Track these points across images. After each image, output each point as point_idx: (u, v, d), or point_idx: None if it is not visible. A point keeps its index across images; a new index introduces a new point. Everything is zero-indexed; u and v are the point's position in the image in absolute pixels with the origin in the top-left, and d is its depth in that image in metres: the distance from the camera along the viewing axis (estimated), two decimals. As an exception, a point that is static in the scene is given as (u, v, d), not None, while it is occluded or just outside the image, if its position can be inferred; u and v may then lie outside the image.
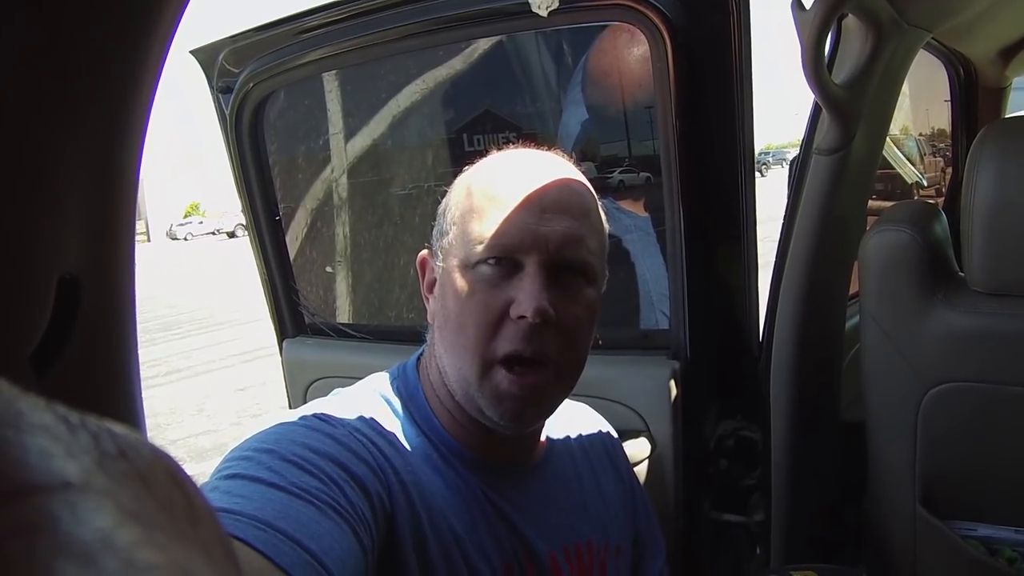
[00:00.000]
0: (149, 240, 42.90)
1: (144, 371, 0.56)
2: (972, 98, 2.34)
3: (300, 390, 1.84)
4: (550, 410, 0.91)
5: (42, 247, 0.44)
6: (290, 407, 1.78)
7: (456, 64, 1.74)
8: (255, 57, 1.68)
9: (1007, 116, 2.42)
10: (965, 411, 1.31)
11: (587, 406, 1.14)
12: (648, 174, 1.63)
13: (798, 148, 1.54)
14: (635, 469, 1.24)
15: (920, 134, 2.67)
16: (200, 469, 4.70)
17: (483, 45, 1.70)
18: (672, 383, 1.42)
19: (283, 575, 0.59)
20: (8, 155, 0.40)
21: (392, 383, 0.93)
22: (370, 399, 0.90)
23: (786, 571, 1.25)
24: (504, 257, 0.84)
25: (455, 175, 0.95)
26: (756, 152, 1.51)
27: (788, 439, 1.48)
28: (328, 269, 1.97)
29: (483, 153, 0.95)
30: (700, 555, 1.53)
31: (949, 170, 2.57)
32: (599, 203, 0.92)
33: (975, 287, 1.30)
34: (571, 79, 1.70)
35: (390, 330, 1.90)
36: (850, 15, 1.28)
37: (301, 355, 1.89)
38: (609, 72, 1.63)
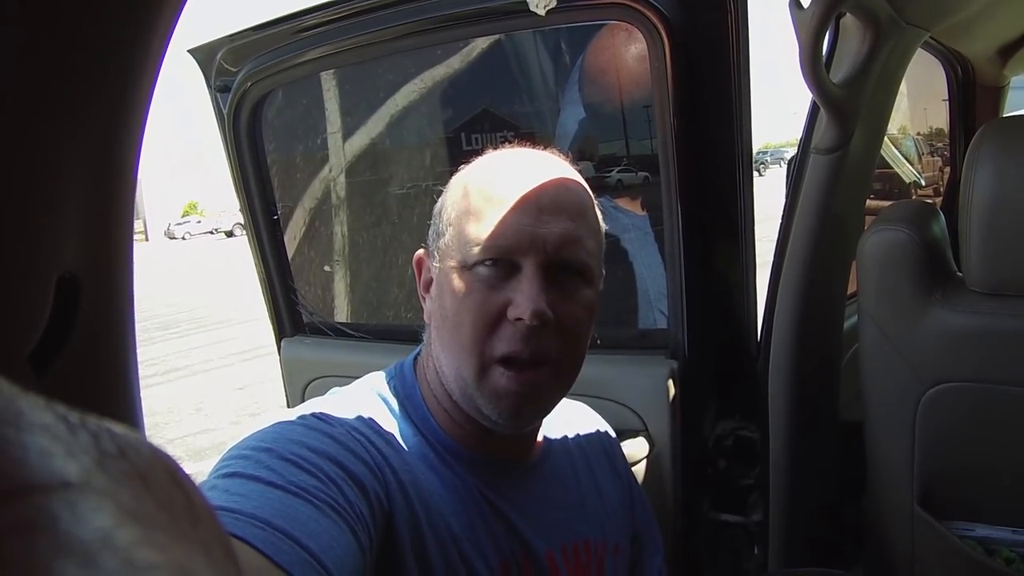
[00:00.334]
0: (147, 239, 42.86)
1: (142, 370, 0.56)
2: (970, 97, 2.34)
3: (298, 389, 1.84)
4: (548, 408, 0.91)
5: (41, 246, 0.44)
6: (288, 406, 1.78)
7: (454, 63, 1.74)
8: (253, 56, 1.68)
9: (1005, 115, 2.42)
10: (963, 411, 1.31)
11: (585, 405, 1.14)
12: (646, 173, 1.63)
13: (796, 147, 1.54)
14: (633, 469, 1.24)
15: (918, 133, 2.67)
16: (198, 468, 4.69)
17: (481, 44, 1.70)
18: (670, 382, 1.42)
19: (282, 573, 0.59)
20: (7, 154, 0.40)
21: (389, 382, 0.93)
22: (367, 398, 0.90)
23: (782, 574, 1.26)
24: (501, 258, 0.84)
25: (453, 174, 0.95)
26: (754, 151, 1.51)
27: (786, 439, 1.48)
28: (326, 268, 1.97)
29: (481, 152, 0.95)
30: (699, 555, 1.53)
31: (947, 169, 2.57)
32: (596, 202, 0.92)
33: (973, 287, 1.30)
34: (569, 78, 1.70)
35: (388, 329, 1.90)
36: (848, 14, 1.28)
37: (299, 354, 1.89)
38: (606, 70, 1.63)
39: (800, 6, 1.19)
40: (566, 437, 1.04)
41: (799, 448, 1.49)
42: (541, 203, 0.84)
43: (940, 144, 2.63)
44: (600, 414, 1.15)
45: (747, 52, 1.34)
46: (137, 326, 0.55)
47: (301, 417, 0.80)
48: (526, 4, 1.32)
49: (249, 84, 1.70)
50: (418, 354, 0.96)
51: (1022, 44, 2.16)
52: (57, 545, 0.15)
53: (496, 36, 1.66)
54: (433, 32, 1.56)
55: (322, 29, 1.61)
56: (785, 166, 1.60)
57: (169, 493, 0.19)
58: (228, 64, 1.72)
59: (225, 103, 1.75)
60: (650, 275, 1.63)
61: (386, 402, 0.90)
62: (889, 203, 2.00)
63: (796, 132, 1.59)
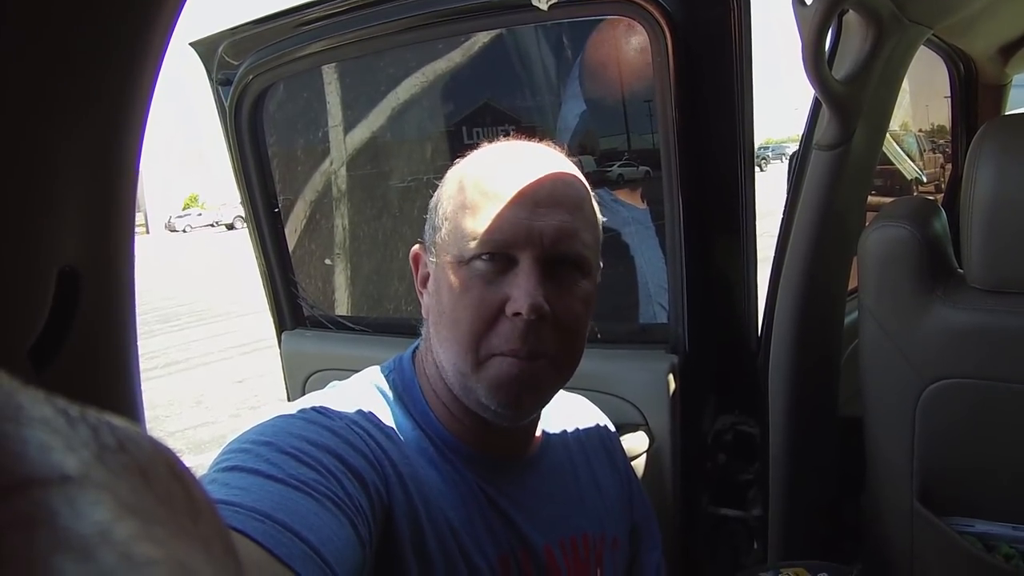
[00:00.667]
0: (148, 232, 42.80)
1: (142, 363, 0.56)
2: (972, 95, 2.34)
3: (298, 382, 1.85)
4: (546, 398, 0.91)
5: (41, 241, 0.44)
6: (288, 399, 1.78)
7: (456, 57, 1.74)
8: (255, 49, 1.68)
9: (1007, 113, 2.42)
10: (963, 408, 1.31)
11: (584, 399, 1.14)
12: (647, 168, 1.63)
13: (798, 143, 1.54)
14: (633, 463, 1.24)
15: (920, 131, 2.66)
16: (198, 461, 4.70)
17: (483, 38, 1.70)
18: (670, 377, 1.42)
19: (282, 567, 0.60)
20: (8, 148, 0.40)
21: (388, 376, 0.93)
22: (367, 392, 0.90)
23: (777, 568, 1.26)
24: (498, 253, 0.83)
25: (452, 168, 0.95)
26: (756, 147, 1.51)
27: (786, 434, 1.48)
28: (327, 261, 1.98)
29: (480, 146, 0.94)
30: (698, 550, 1.54)
31: (949, 167, 2.57)
32: (592, 194, 0.92)
33: (974, 284, 1.30)
34: (570, 73, 1.69)
35: (389, 322, 1.90)
36: (851, 11, 1.28)
37: (300, 347, 1.89)
38: (606, 63, 1.63)
39: (803, 3, 1.19)
40: (565, 432, 1.04)
41: (799, 443, 1.49)
42: (537, 196, 0.84)
43: (942, 141, 2.63)
44: (600, 408, 1.15)
45: (749, 48, 1.34)
46: (137, 319, 0.55)
47: (301, 411, 0.80)
48: (528, -1, 1.32)
49: (251, 77, 1.70)
50: (416, 348, 0.96)
51: (1024, 42, 2.15)
52: (56, 540, 0.15)
53: (498, 31, 1.66)
54: (435, 26, 1.56)
55: (324, 23, 1.61)
56: (786, 162, 1.60)
57: (169, 487, 0.19)
58: (230, 57, 1.72)
59: (227, 96, 1.75)
60: (651, 269, 1.63)
61: (385, 396, 0.90)
62: (890, 200, 2.00)
63: (798, 128, 1.59)
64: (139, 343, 0.56)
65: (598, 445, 1.08)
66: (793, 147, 1.56)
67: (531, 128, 1.72)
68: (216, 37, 1.72)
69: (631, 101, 1.64)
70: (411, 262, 0.96)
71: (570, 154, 0.95)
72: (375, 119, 1.86)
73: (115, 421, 0.18)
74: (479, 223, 0.84)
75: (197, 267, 19.50)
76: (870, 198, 1.64)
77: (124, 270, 0.51)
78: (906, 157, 2.52)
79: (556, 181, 0.87)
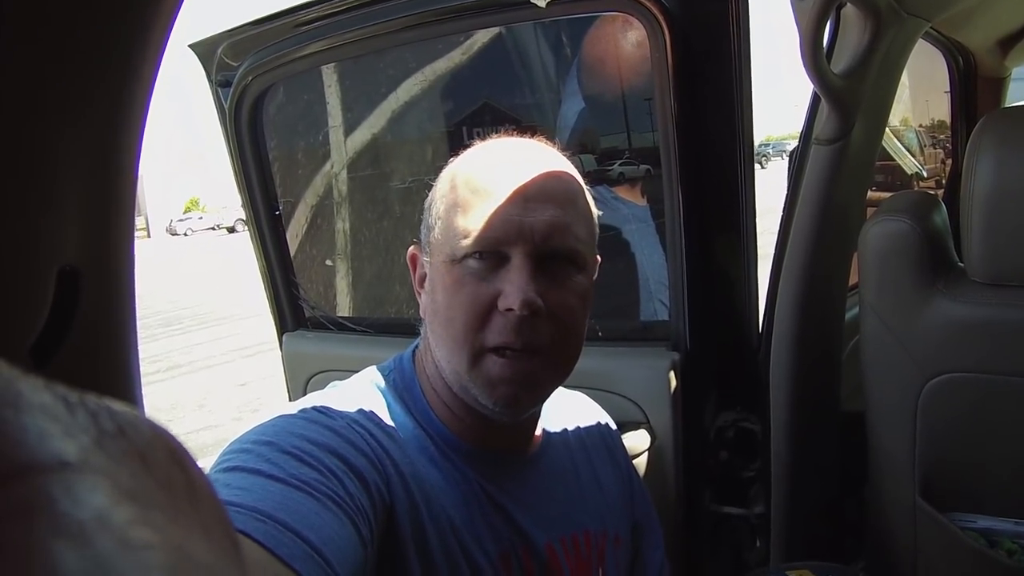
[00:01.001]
0: (149, 236, 42.83)
1: (145, 367, 0.56)
2: (971, 88, 2.33)
3: (300, 384, 1.85)
4: (544, 396, 0.91)
5: (41, 240, 0.44)
6: (290, 401, 1.78)
7: (455, 57, 1.74)
8: (254, 50, 1.68)
9: (1006, 106, 2.42)
10: (965, 402, 1.31)
11: (585, 396, 1.14)
12: (648, 166, 1.63)
13: (798, 140, 1.54)
14: (635, 461, 1.24)
15: (919, 125, 2.66)
16: (201, 464, 4.69)
17: (482, 38, 1.70)
18: (672, 374, 1.42)
19: (283, 566, 0.60)
20: (8, 148, 0.40)
21: (388, 376, 0.93)
22: (367, 392, 0.90)
23: (782, 570, 1.26)
24: (490, 250, 0.83)
25: (449, 169, 0.95)
26: (756, 144, 1.51)
27: (788, 430, 1.48)
28: (328, 263, 1.98)
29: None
30: (700, 548, 1.53)
31: (949, 161, 2.57)
32: (586, 189, 0.92)
33: (975, 277, 1.30)
34: (569, 71, 1.69)
35: (390, 323, 1.90)
36: (848, 4, 1.28)
37: (301, 349, 1.89)
38: (605, 60, 1.63)
39: (800, -3, 1.19)
40: (566, 429, 1.04)
41: (800, 439, 1.49)
42: (528, 192, 0.84)
43: (941, 135, 2.63)
44: (601, 406, 1.15)
45: (748, 44, 1.34)
46: (139, 322, 0.56)
47: (302, 411, 0.80)
48: (526, -4, 1.32)
49: (250, 78, 1.70)
50: (416, 347, 0.96)
51: (1023, 35, 2.15)
52: (54, 526, 0.15)
53: (496, 29, 1.66)
54: (433, 25, 1.56)
55: (323, 23, 1.61)
56: (787, 159, 1.60)
57: (169, 472, 0.19)
58: (229, 59, 1.72)
59: (226, 98, 1.75)
60: (652, 267, 1.63)
61: (385, 395, 0.90)
62: (890, 194, 1.99)
63: (798, 125, 1.58)
64: (142, 347, 0.56)
65: (599, 442, 1.08)
66: (794, 144, 1.56)
67: (531, 127, 1.72)
68: (215, 38, 1.72)
69: (631, 98, 1.64)
70: (408, 262, 0.96)
71: (570, 152, 0.95)
72: (375, 120, 1.86)
73: (115, 406, 0.19)
74: (470, 221, 0.84)
75: (199, 270, 19.51)
76: (871, 194, 1.64)
77: (124, 269, 0.51)
78: (907, 153, 2.52)
79: (547, 176, 0.87)
